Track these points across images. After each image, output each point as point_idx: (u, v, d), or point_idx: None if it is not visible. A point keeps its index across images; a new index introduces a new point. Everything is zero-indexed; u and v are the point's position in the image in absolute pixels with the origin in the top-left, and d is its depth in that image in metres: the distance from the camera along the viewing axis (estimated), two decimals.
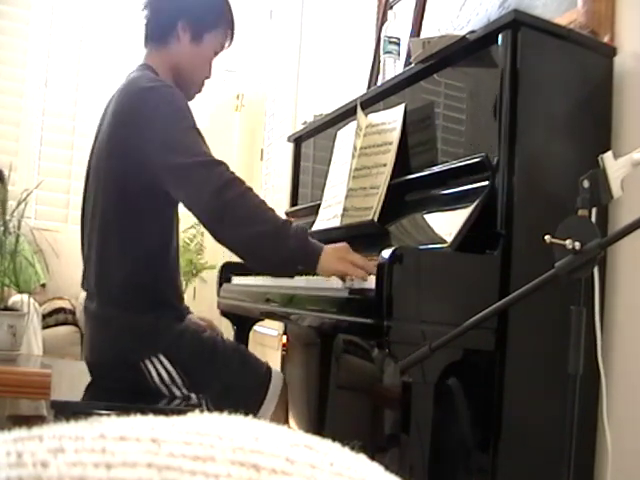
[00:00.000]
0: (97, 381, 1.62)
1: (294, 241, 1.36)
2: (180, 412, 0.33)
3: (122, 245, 1.54)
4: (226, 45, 1.73)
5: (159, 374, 1.50)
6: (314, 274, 1.41)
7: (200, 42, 1.65)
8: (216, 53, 1.71)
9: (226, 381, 1.55)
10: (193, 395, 1.52)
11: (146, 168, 1.45)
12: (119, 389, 1.54)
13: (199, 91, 1.74)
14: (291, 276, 1.42)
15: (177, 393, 1.52)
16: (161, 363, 1.51)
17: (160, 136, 1.43)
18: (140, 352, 1.51)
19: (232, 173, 1.40)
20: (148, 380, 1.50)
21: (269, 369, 1.67)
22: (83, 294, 3.18)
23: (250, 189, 1.39)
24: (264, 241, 1.37)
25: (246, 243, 1.39)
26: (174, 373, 1.51)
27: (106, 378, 1.58)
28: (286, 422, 1.73)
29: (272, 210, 1.40)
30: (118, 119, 1.53)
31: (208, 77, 1.73)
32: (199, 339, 1.59)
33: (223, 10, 1.69)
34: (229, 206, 1.35)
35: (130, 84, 1.56)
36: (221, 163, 1.41)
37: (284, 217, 1.48)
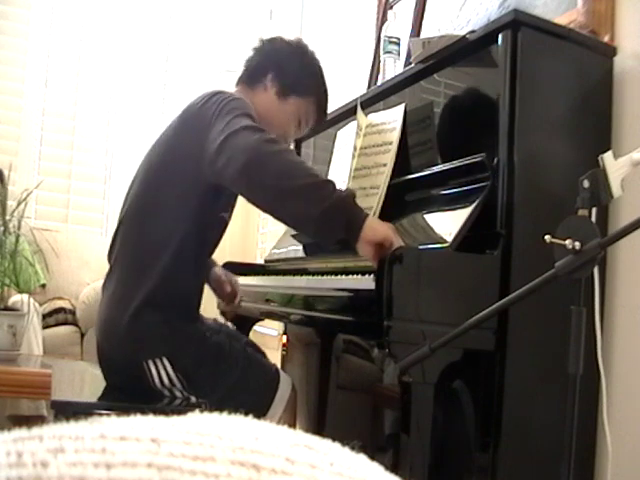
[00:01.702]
0: (103, 370, 1.63)
1: (340, 198, 1.30)
2: (180, 412, 0.33)
3: (151, 236, 1.55)
4: (311, 121, 1.76)
5: (160, 377, 1.50)
6: (353, 241, 1.31)
7: (285, 100, 1.70)
8: (299, 122, 1.74)
9: (230, 385, 1.55)
10: (193, 398, 1.52)
11: (195, 164, 1.47)
12: (122, 381, 1.55)
13: None
14: (333, 241, 1.35)
15: (178, 395, 1.52)
16: (164, 367, 1.50)
17: (213, 131, 1.44)
18: (143, 352, 1.51)
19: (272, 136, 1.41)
20: (149, 380, 1.51)
21: (277, 373, 1.65)
22: (83, 294, 3.21)
23: (290, 150, 1.42)
24: (298, 194, 1.32)
25: (278, 195, 1.34)
26: (175, 378, 1.51)
27: (111, 369, 1.60)
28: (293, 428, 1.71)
29: (312, 169, 1.41)
30: (182, 119, 1.59)
31: (287, 141, 1.75)
32: (204, 345, 1.58)
33: (316, 83, 1.75)
34: (268, 156, 1.34)
35: (205, 92, 1.61)
36: (264, 130, 1.42)
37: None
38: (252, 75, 1.73)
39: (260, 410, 1.55)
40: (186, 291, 1.62)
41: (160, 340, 1.52)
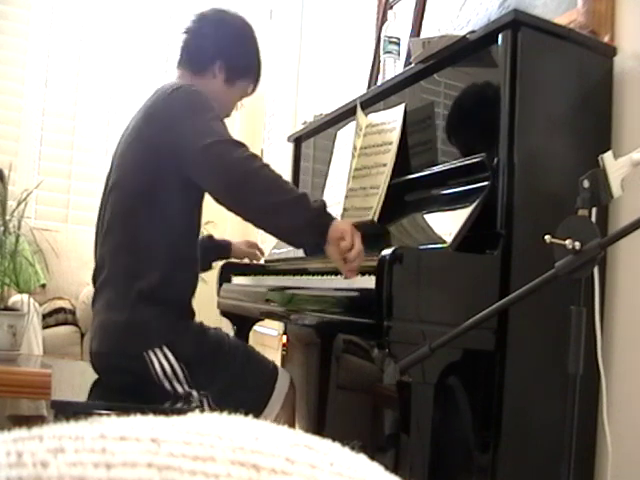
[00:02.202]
0: (101, 374, 1.62)
1: (313, 211, 1.41)
2: (180, 412, 0.33)
3: (143, 238, 1.56)
4: (249, 92, 1.83)
5: (162, 366, 1.51)
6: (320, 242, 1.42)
7: (232, 85, 1.76)
8: (240, 98, 1.82)
9: (229, 380, 1.56)
10: (195, 392, 1.52)
11: (176, 160, 1.50)
12: (123, 382, 1.54)
13: None
14: (303, 247, 1.54)
15: (179, 389, 1.52)
16: (164, 355, 1.51)
17: (191, 127, 1.49)
18: (144, 342, 1.52)
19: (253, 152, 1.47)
20: (151, 372, 1.51)
21: (276, 369, 1.67)
22: (83, 294, 3.21)
23: (269, 165, 1.46)
24: (285, 209, 1.41)
25: (266, 210, 1.44)
26: (177, 367, 1.51)
27: (110, 370, 1.58)
28: (292, 426, 1.73)
29: (290, 184, 1.48)
30: (149, 117, 1.59)
31: (228, 116, 1.82)
32: (204, 336, 1.60)
33: (257, 62, 1.80)
34: (253, 174, 1.41)
35: (161, 88, 1.64)
36: (244, 144, 1.49)
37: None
38: (198, 62, 1.73)
39: (258, 406, 1.57)
40: (183, 288, 1.63)
41: (159, 331, 1.53)
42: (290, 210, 1.41)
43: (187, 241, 1.62)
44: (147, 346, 1.51)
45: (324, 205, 1.44)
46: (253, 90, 1.84)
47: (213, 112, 1.53)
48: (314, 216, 1.41)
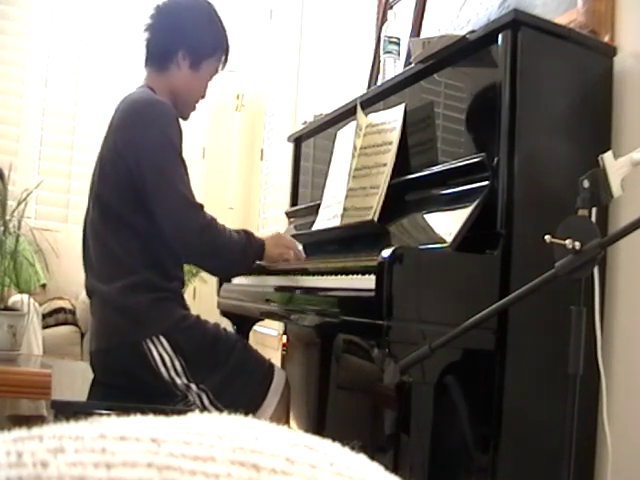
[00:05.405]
0: (102, 375, 1.63)
1: (252, 250, 1.64)
2: (180, 412, 0.33)
3: (133, 234, 1.59)
4: (220, 68, 1.81)
5: (161, 356, 1.52)
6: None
7: (198, 69, 1.73)
8: (211, 77, 1.79)
9: (228, 372, 1.57)
10: (194, 385, 1.52)
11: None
12: (123, 380, 1.54)
13: (194, 109, 1.82)
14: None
15: (178, 381, 1.52)
16: (162, 345, 1.52)
17: (152, 159, 1.55)
18: (141, 330, 1.53)
19: (207, 214, 1.57)
20: (150, 361, 1.51)
21: (272, 365, 1.69)
22: (83, 294, 3.21)
23: (216, 222, 1.57)
24: (237, 263, 1.66)
25: (224, 267, 1.73)
26: (175, 359, 1.52)
27: (110, 368, 1.59)
28: (287, 423, 1.73)
29: (233, 233, 1.60)
30: (118, 130, 1.63)
31: (203, 97, 1.82)
32: (201, 328, 1.61)
33: (221, 39, 1.76)
34: (209, 244, 1.55)
35: (131, 98, 1.67)
36: (200, 205, 1.56)
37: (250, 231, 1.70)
38: (161, 57, 1.72)
39: (257, 398, 1.58)
40: (174, 279, 1.65)
41: (156, 318, 1.55)
42: (240, 258, 1.63)
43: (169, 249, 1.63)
44: (145, 334, 1.52)
45: (253, 235, 1.66)
46: (224, 65, 1.81)
47: (175, 147, 1.55)
48: (256, 253, 1.64)
